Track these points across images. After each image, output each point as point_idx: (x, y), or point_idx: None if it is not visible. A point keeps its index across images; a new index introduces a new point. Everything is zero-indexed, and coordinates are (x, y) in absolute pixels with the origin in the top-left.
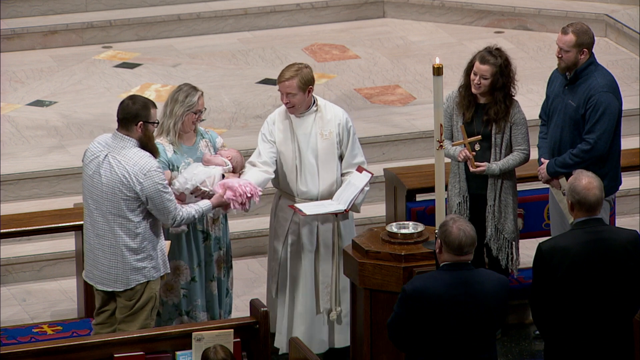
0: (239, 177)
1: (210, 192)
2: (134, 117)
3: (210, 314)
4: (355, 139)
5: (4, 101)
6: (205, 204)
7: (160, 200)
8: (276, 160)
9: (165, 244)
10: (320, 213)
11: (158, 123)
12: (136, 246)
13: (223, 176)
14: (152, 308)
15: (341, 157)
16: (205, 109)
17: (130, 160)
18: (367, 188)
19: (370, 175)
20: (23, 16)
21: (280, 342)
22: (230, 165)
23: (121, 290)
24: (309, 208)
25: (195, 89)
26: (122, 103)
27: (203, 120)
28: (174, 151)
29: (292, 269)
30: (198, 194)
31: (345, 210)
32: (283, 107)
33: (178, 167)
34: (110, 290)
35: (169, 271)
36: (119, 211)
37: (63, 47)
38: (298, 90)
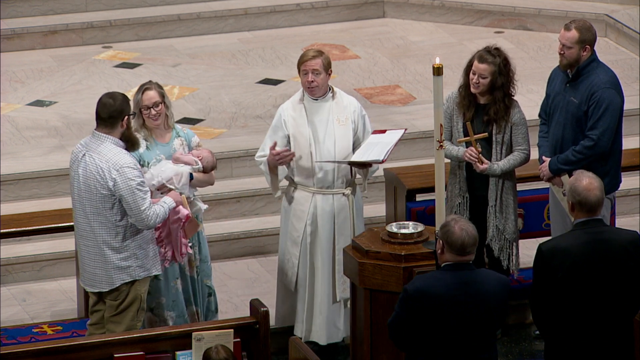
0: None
1: (177, 191)
2: (120, 113)
3: (177, 312)
4: (370, 126)
5: (4, 101)
6: (168, 200)
7: (133, 198)
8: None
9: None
10: (361, 161)
11: (135, 114)
12: (118, 245)
13: (191, 175)
14: (137, 309)
15: (353, 144)
16: (161, 102)
17: (104, 157)
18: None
19: (403, 130)
20: (23, 16)
21: (302, 330)
22: (200, 165)
23: (106, 290)
24: (354, 157)
25: (142, 85)
26: (102, 103)
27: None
28: (147, 147)
29: (311, 260)
30: (164, 190)
31: (382, 160)
32: (297, 95)
33: (148, 163)
34: (97, 291)
35: (160, 272)
36: (97, 209)
37: (63, 47)
38: (322, 70)
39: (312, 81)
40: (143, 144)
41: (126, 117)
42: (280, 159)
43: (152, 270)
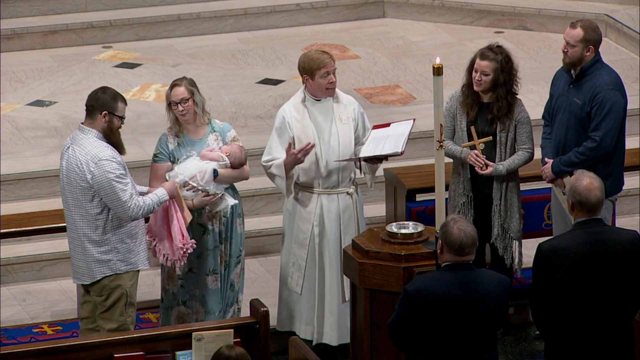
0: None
1: (200, 188)
2: (100, 105)
3: (205, 308)
4: (369, 123)
5: (4, 101)
6: (161, 192)
7: (112, 190)
8: None
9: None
10: (382, 155)
11: (124, 118)
12: (98, 238)
13: (216, 171)
14: (124, 304)
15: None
16: (189, 99)
17: (84, 150)
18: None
19: (412, 120)
20: (23, 16)
21: (312, 333)
22: (228, 161)
23: (88, 283)
24: (363, 152)
25: (173, 81)
26: (92, 91)
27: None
28: (178, 143)
29: (319, 262)
30: (189, 188)
31: (401, 152)
32: (297, 97)
33: (178, 160)
34: (81, 282)
35: (147, 267)
36: (78, 202)
37: (63, 47)
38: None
39: (334, 81)
40: (174, 140)
41: (106, 113)
42: (303, 155)
43: (138, 265)
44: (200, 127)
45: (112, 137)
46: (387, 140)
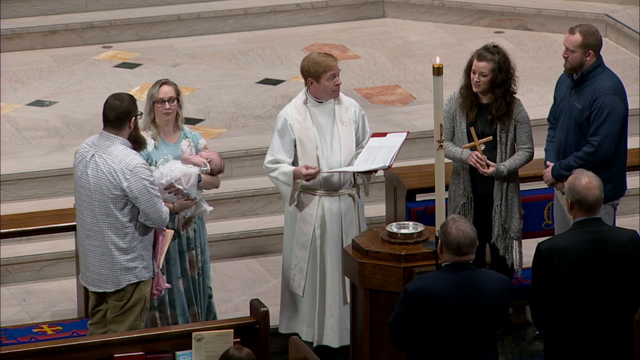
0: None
1: (184, 191)
2: (127, 114)
3: (178, 311)
4: (369, 126)
5: (4, 101)
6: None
7: (149, 197)
8: (295, 155)
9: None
10: (371, 169)
11: (142, 114)
12: (125, 246)
13: (199, 176)
14: (141, 309)
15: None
16: (175, 99)
17: (116, 158)
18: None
19: (406, 133)
20: (23, 16)
21: (313, 335)
22: (209, 167)
23: (112, 290)
24: (353, 168)
25: (159, 80)
26: (109, 105)
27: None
28: (155, 146)
29: (320, 263)
30: (172, 190)
31: (389, 166)
32: (299, 98)
33: (156, 162)
34: (101, 291)
35: (159, 270)
36: (107, 210)
37: (63, 47)
38: None
39: (340, 83)
40: (151, 142)
41: (133, 118)
42: (311, 178)
43: (153, 271)
44: (175, 131)
45: (137, 136)
46: (380, 152)
